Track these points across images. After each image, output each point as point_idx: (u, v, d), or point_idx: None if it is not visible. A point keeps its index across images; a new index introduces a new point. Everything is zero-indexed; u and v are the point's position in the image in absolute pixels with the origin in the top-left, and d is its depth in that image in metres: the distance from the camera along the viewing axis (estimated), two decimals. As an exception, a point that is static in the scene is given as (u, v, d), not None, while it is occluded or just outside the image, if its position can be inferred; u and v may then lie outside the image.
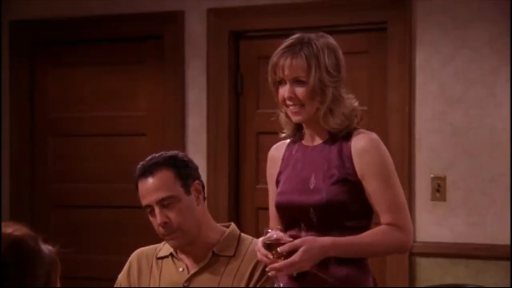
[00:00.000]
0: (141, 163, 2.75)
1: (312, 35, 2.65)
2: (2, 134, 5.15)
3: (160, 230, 2.69)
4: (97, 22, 5.00)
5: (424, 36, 4.37)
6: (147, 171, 2.69)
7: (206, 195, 2.81)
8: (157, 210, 2.66)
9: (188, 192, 2.70)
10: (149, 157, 2.74)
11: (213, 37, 4.75)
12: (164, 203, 2.66)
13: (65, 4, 5.04)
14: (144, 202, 2.70)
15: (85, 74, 5.10)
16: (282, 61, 2.61)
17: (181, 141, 4.75)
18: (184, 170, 2.71)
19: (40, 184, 5.18)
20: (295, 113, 2.63)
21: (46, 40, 5.15)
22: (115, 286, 2.84)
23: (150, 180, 2.68)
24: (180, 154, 2.78)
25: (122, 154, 5.01)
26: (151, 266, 2.80)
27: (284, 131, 2.77)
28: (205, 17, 4.77)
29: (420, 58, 4.38)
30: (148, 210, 2.70)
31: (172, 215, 2.66)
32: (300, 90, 2.60)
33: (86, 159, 5.10)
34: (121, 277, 2.84)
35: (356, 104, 2.68)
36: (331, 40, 2.67)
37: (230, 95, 4.75)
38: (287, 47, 2.62)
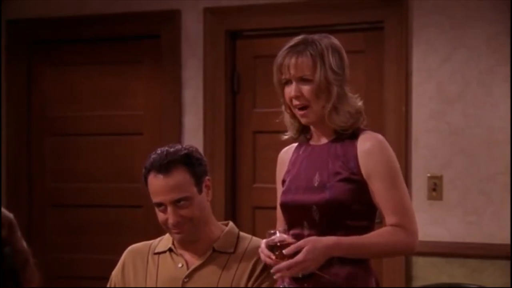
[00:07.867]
0: (153, 156, 2.69)
1: (316, 36, 2.66)
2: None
3: (169, 225, 2.68)
4: (94, 21, 5.00)
5: (421, 35, 4.37)
6: (163, 168, 2.65)
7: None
8: (170, 209, 2.65)
9: (200, 191, 2.71)
10: (163, 151, 2.68)
11: (210, 36, 4.75)
12: (178, 203, 2.66)
13: (62, 3, 5.04)
14: (157, 199, 2.67)
15: (82, 73, 5.10)
16: (287, 60, 2.61)
17: (177, 140, 4.74)
18: (198, 169, 2.70)
19: (37, 184, 5.17)
20: (303, 115, 2.64)
21: (43, 39, 5.15)
22: (108, 284, 2.83)
23: (166, 179, 2.64)
24: (194, 151, 2.74)
25: (119, 153, 5.01)
26: (147, 262, 2.78)
27: (286, 133, 2.76)
28: (201, 16, 4.77)
29: (417, 58, 4.38)
30: (160, 207, 2.68)
31: (184, 213, 2.66)
32: (306, 89, 2.60)
33: (83, 158, 5.09)
34: (115, 275, 2.82)
35: (360, 103, 2.70)
36: (334, 40, 2.69)
37: (227, 94, 4.75)
38: (291, 47, 2.63)
